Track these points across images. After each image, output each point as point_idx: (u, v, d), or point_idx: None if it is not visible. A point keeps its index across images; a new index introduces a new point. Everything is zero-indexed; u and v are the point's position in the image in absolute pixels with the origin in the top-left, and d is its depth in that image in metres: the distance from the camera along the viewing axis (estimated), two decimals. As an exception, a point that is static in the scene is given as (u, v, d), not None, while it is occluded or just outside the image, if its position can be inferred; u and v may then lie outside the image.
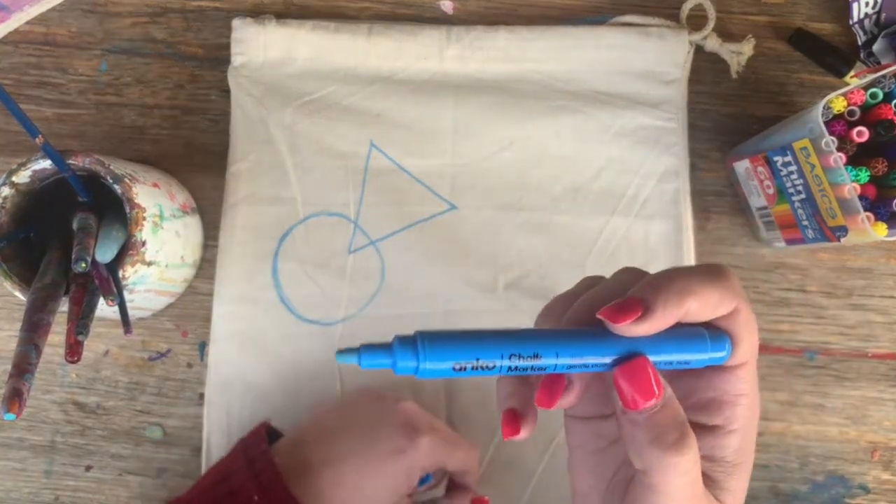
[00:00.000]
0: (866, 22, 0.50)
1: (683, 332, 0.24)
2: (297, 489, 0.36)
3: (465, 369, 0.22)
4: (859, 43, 0.50)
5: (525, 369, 0.23)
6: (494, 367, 0.22)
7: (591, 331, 0.24)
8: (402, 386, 0.47)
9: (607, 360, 0.23)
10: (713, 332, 0.24)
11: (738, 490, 0.25)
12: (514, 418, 0.25)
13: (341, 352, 0.21)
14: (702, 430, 0.25)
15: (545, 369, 0.23)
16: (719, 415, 0.25)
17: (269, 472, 0.36)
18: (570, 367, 0.23)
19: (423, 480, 0.40)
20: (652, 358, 0.23)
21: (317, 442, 0.39)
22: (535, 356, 0.22)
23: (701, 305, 0.23)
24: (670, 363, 0.24)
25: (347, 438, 0.39)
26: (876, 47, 0.49)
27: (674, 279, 0.23)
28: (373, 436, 0.39)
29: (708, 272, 0.24)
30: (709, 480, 0.25)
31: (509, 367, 0.22)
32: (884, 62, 0.49)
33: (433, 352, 0.21)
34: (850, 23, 0.49)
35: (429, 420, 0.41)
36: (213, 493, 0.37)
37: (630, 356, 0.23)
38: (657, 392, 0.22)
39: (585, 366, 0.23)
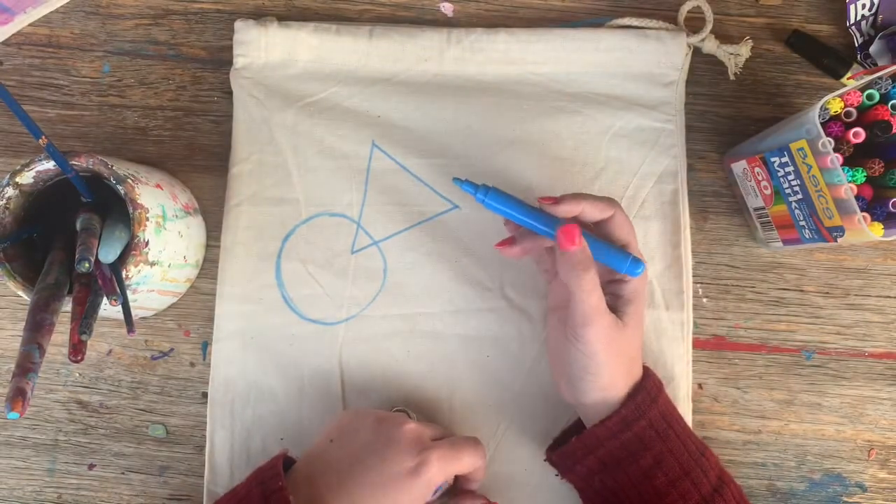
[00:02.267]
0: (863, 24, 0.50)
1: (615, 249, 0.41)
2: None
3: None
4: (856, 45, 0.50)
5: (521, 223, 0.42)
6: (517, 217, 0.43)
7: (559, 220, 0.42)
8: (402, 389, 0.47)
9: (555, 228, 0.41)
10: (634, 258, 0.41)
11: (635, 314, 0.41)
12: (512, 241, 0.44)
13: (457, 179, 0.43)
14: (613, 281, 0.42)
15: (534, 228, 0.42)
16: (622, 276, 0.42)
17: None
18: (544, 230, 0.42)
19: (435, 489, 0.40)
20: (592, 250, 0.40)
21: (328, 477, 0.38)
22: (530, 223, 0.42)
23: (591, 208, 0.41)
24: (601, 257, 0.41)
25: (358, 470, 0.38)
26: (873, 49, 0.50)
27: (578, 195, 0.41)
28: (383, 464, 0.38)
29: (600, 196, 0.42)
30: (614, 308, 0.41)
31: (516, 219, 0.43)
32: (880, 64, 0.50)
33: (491, 199, 0.42)
34: (847, 25, 0.50)
35: (432, 433, 0.41)
36: None
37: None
38: (578, 244, 0.39)
39: (549, 232, 0.42)
